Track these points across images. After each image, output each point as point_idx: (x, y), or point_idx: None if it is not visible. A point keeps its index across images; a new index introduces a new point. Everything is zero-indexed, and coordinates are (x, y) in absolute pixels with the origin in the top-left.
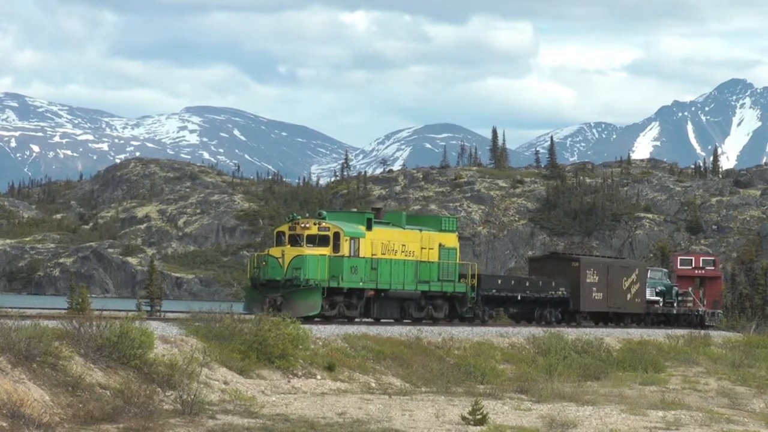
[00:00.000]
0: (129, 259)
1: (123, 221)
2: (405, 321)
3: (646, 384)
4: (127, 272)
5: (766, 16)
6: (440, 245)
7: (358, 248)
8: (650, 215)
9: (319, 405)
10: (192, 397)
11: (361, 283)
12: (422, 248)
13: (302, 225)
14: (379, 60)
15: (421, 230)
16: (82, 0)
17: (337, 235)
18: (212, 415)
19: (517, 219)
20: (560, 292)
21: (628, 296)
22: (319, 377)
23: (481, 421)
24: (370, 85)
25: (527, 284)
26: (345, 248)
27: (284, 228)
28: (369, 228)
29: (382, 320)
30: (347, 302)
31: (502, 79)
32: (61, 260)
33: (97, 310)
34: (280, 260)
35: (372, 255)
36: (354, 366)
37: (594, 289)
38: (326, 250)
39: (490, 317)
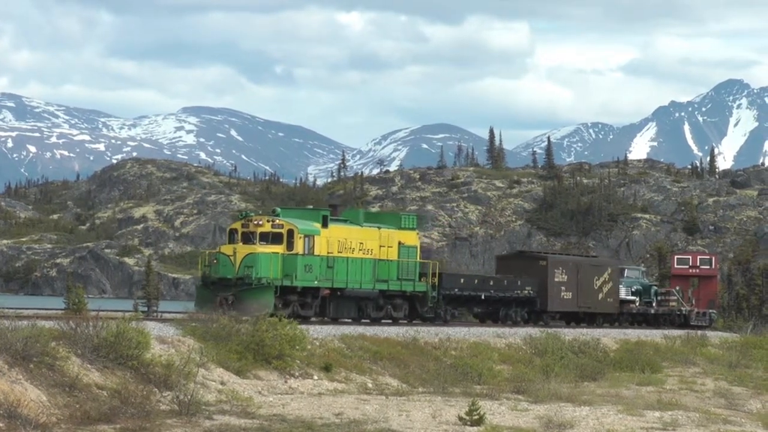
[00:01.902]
0: (126, 259)
1: (120, 222)
2: (363, 321)
3: (643, 384)
4: (124, 273)
5: (763, 17)
6: (400, 243)
7: (313, 246)
8: (647, 216)
9: (316, 405)
10: (189, 397)
11: (316, 282)
12: (381, 246)
13: (255, 222)
14: (375, 60)
15: (379, 228)
16: (78, 0)
17: (290, 233)
18: (209, 416)
19: (514, 219)
20: (526, 292)
21: (600, 296)
22: (316, 378)
23: (478, 422)
24: (366, 86)
25: (491, 283)
26: (299, 246)
27: (237, 225)
28: (325, 225)
29: (339, 320)
30: (302, 301)
31: (498, 80)
32: (58, 260)
33: (93, 310)
34: (232, 258)
35: (328, 253)
36: (351, 366)
37: (563, 288)
38: (279, 248)
39: (452, 317)
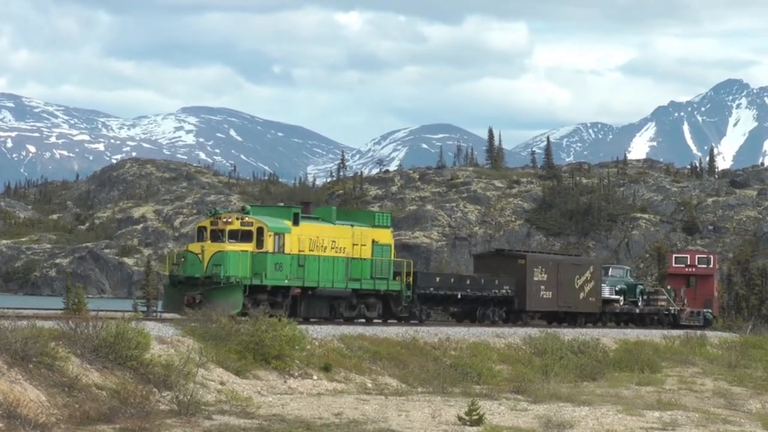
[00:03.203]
0: (125, 259)
1: (119, 222)
2: (336, 320)
3: (642, 384)
4: (124, 273)
5: (761, 17)
6: (373, 242)
7: (283, 244)
8: (646, 216)
9: (315, 405)
10: (188, 397)
11: (286, 281)
12: (354, 244)
13: (224, 220)
14: (374, 60)
15: (352, 226)
16: (76, 0)
17: (260, 231)
18: (209, 416)
19: (513, 219)
20: (504, 291)
21: (581, 295)
22: (315, 378)
23: (478, 422)
24: (365, 86)
25: (468, 282)
26: (269, 244)
27: (206, 223)
28: (296, 223)
29: (311, 319)
30: (272, 300)
31: (497, 80)
32: (58, 261)
33: (93, 310)
34: (200, 256)
35: (299, 251)
36: (350, 366)
37: (542, 287)
38: (249, 246)
39: (427, 317)
